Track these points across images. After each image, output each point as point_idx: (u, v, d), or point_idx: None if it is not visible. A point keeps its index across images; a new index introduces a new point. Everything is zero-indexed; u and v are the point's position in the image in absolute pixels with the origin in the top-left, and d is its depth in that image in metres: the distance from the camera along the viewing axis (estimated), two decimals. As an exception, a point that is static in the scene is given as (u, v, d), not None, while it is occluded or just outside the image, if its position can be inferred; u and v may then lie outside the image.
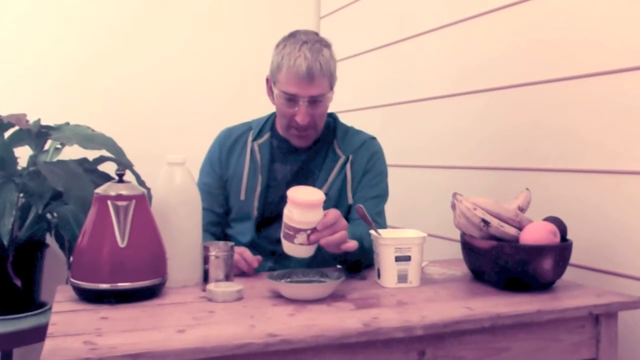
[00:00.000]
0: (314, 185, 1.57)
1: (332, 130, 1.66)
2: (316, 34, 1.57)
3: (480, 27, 1.84)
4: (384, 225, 1.63)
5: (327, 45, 1.56)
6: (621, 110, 1.41)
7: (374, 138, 1.70)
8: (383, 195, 1.67)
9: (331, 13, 2.71)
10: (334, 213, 1.31)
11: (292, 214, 1.29)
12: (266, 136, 1.65)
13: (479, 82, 1.84)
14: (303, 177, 1.62)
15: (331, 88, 1.56)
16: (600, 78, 1.46)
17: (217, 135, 1.71)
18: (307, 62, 1.47)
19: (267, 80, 1.60)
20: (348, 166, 1.62)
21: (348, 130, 1.69)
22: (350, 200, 1.62)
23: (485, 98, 1.81)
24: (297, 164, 1.63)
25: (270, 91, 1.60)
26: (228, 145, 1.66)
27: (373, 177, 1.64)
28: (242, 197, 1.61)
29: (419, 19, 2.12)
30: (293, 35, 1.55)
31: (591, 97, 1.48)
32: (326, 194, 1.53)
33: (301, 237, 1.29)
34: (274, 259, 1.62)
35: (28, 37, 2.38)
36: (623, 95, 1.40)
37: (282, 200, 1.43)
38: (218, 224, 1.66)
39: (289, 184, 1.54)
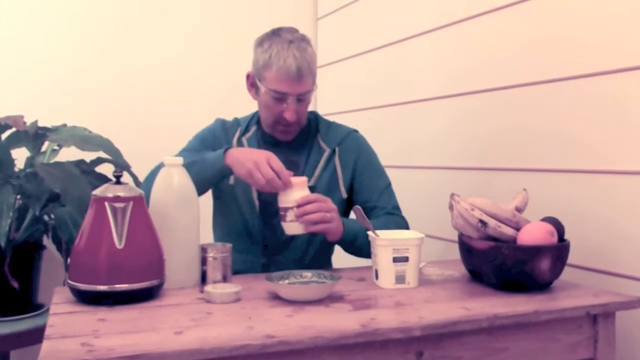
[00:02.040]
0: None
1: (315, 125, 1.71)
2: (297, 30, 1.61)
3: (475, 29, 1.84)
4: (404, 220, 1.66)
5: (309, 42, 1.60)
6: (618, 110, 1.41)
7: (356, 131, 1.75)
8: (389, 183, 1.71)
9: (328, 14, 2.72)
10: (316, 194, 1.45)
11: (281, 196, 1.44)
12: (253, 130, 1.70)
13: (477, 83, 1.84)
14: (288, 169, 1.63)
15: (314, 83, 1.61)
16: (596, 79, 1.46)
17: (212, 122, 1.75)
18: (297, 62, 1.52)
19: (248, 76, 1.64)
20: (336, 159, 1.66)
21: (330, 124, 1.74)
22: (344, 195, 1.65)
23: (483, 98, 1.82)
24: (282, 156, 1.61)
25: (251, 86, 1.63)
26: (221, 130, 1.70)
27: (374, 172, 1.69)
28: (232, 181, 1.63)
29: (415, 21, 2.12)
30: (277, 34, 1.58)
31: (588, 98, 1.48)
32: (314, 187, 1.60)
33: (290, 215, 1.42)
34: (266, 256, 1.64)
35: (25, 38, 2.38)
36: (620, 95, 1.41)
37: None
38: None
39: None
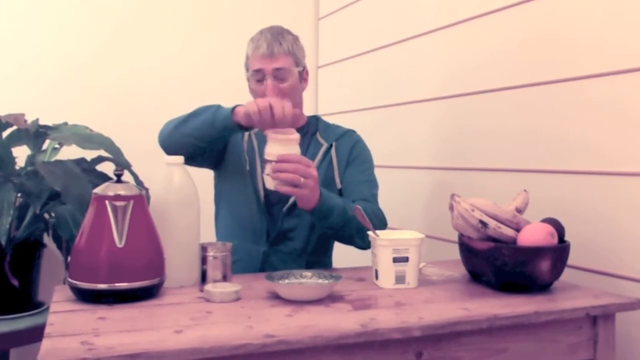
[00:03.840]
0: None
1: (315, 125, 1.78)
2: (281, 27, 1.71)
3: (474, 30, 1.84)
4: (381, 211, 1.66)
5: (290, 33, 1.70)
6: (618, 111, 1.41)
7: (354, 131, 1.81)
8: (374, 181, 1.74)
9: (329, 14, 2.72)
10: (299, 155, 1.42)
11: (266, 147, 1.41)
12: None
13: (477, 84, 1.84)
14: None
15: (296, 65, 1.68)
16: (597, 80, 1.46)
17: None
18: (267, 41, 1.64)
19: (248, 79, 1.72)
20: (333, 152, 1.72)
21: (330, 124, 1.81)
22: (339, 185, 1.70)
23: (483, 99, 1.82)
24: None
25: (250, 89, 1.72)
26: None
27: (361, 164, 1.74)
28: (248, 167, 1.69)
29: (416, 21, 2.12)
30: (260, 31, 1.70)
31: (589, 99, 1.48)
32: None
33: (268, 168, 1.40)
34: (268, 243, 1.67)
35: (26, 36, 2.38)
36: (620, 96, 1.41)
37: None
38: None
39: None
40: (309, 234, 1.68)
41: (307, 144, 1.72)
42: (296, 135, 1.43)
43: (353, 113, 2.51)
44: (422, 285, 1.37)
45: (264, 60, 1.63)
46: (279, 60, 1.63)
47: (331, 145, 1.72)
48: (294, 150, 1.42)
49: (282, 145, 1.40)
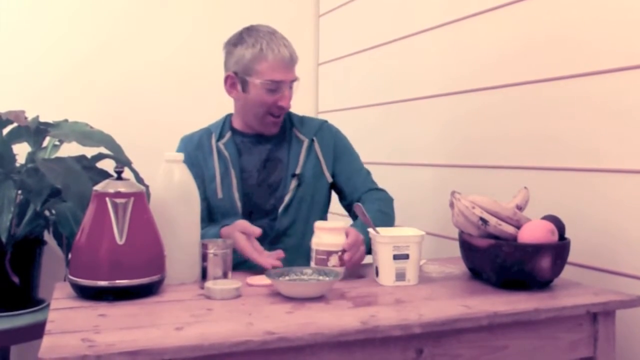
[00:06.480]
0: (286, 170, 1.67)
1: (289, 119, 1.75)
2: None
3: (475, 27, 1.84)
4: (386, 192, 1.72)
5: None
6: (619, 109, 1.41)
7: (326, 121, 1.80)
8: (365, 168, 1.78)
9: (330, 11, 2.71)
10: (354, 233, 1.41)
11: (322, 240, 1.40)
12: (228, 135, 1.71)
13: (478, 81, 1.84)
14: (272, 165, 1.69)
15: None
16: (598, 77, 1.46)
17: (179, 143, 1.75)
18: (288, 49, 1.58)
19: (228, 77, 1.64)
20: (316, 147, 1.71)
21: (302, 118, 1.79)
22: (329, 179, 1.71)
23: (484, 96, 1.81)
24: (264, 153, 1.69)
25: (232, 87, 1.65)
26: (192, 148, 1.70)
27: (349, 155, 1.76)
28: (220, 195, 1.64)
29: (417, 19, 2.12)
30: (254, 29, 1.62)
31: (589, 96, 1.48)
32: (301, 175, 1.65)
33: (333, 260, 1.38)
34: (267, 244, 1.63)
35: (27, 34, 2.37)
36: (621, 94, 1.40)
37: (257, 187, 1.63)
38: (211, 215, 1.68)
39: (260, 172, 1.66)
40: (305, 228, 1.67)
41: (289, 143, 1.70)
42: (343, 224, 1.44)
43: (353, 110, 2.51)
44: (423, 283, 1.37)
45: (285, 70, 1.58)
46: (294, 69, 1.61)
47: (312, 140, 1.71)
48: (343, 236, 1.41)
49: (334, 235, 1.41)
